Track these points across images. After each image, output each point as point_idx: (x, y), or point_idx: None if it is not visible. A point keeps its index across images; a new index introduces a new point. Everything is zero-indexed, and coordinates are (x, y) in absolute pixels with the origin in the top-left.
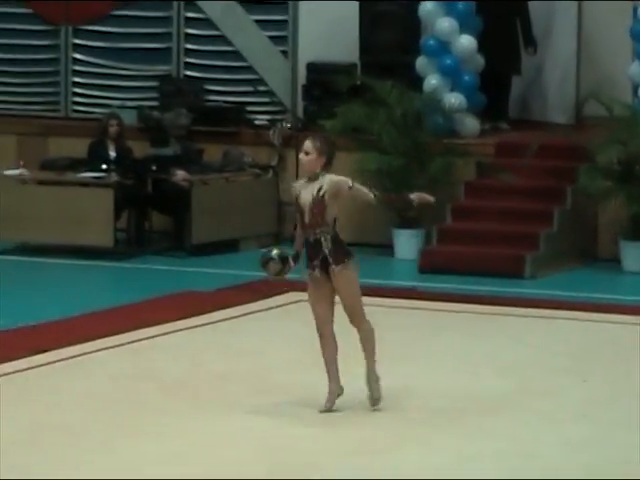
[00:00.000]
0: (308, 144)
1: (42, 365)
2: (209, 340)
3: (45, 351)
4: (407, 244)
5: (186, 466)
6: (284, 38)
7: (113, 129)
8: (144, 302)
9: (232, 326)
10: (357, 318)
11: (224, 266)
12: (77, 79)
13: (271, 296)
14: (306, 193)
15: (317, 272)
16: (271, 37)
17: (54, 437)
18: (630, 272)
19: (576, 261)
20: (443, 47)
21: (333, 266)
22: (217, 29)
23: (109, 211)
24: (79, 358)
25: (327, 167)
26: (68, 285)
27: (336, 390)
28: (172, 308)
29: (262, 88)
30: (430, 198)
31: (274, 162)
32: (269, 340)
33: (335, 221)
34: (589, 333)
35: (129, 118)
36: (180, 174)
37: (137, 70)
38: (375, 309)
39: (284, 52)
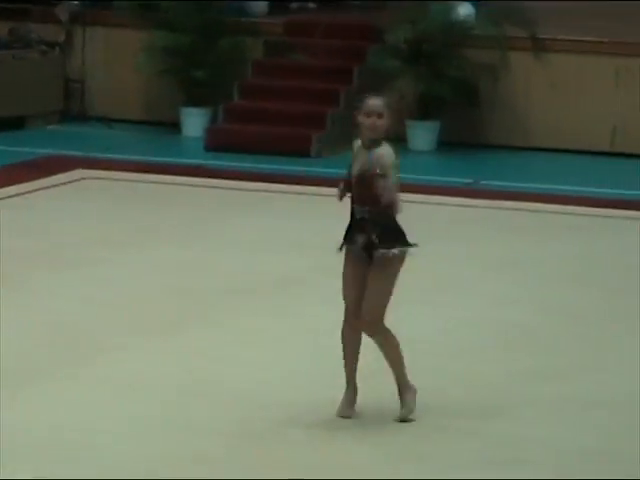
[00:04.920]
0: (379, 103)
1: None
2: None
3: None
4: (194, 122)
5: None
6: None
7: None
8: None
9: (21, 202)
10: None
11: (10, 143)
12: None
13: (58, 173)
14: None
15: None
16: None
17: None
18: None
19: None
20: None
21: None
22: None
23: None
24: None
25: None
26: None
27: (353, 398)
28: None
29: None
30: None
31: (61, 39)
32: (58, 218)
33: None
34: None
35: None
36: None
37: None
38: (163, 187)
39: None
